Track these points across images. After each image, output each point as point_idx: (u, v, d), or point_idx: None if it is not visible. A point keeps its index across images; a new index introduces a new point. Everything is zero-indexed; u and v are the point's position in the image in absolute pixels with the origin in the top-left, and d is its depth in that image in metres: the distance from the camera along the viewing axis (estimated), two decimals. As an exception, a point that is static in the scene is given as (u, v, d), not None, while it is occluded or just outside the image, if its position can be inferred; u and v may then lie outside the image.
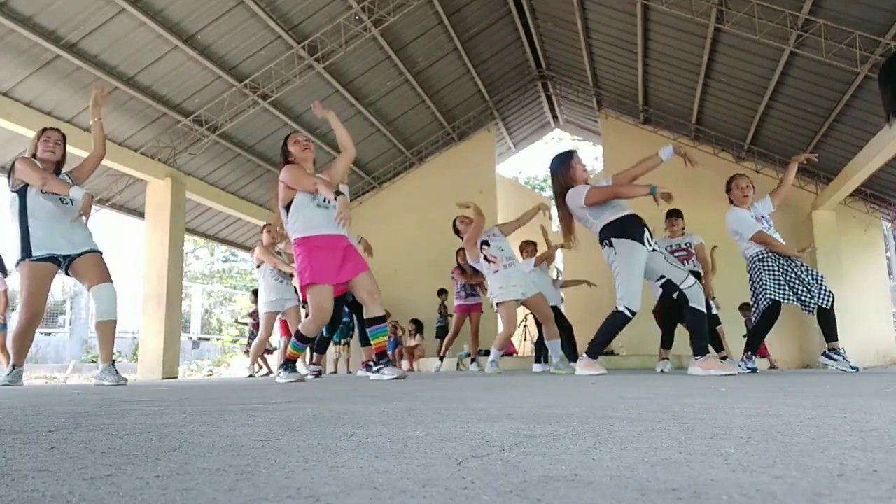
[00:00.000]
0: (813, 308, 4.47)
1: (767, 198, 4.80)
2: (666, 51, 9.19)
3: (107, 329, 3.97)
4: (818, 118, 8.83)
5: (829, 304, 4.42)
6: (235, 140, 9.69)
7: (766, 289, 4.55)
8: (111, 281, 4.01)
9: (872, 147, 8.06)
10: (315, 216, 3.85)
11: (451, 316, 10.39)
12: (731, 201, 4.77)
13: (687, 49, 8.82)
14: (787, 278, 4.50)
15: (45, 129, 4.10)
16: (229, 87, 8.58)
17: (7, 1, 6.13)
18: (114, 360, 3.99)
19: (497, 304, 5.49)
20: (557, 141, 24.64)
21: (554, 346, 5.44)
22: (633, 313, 4.01)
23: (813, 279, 4.48)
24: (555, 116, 14.96)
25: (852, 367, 4.39)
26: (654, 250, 4.06)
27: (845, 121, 8.52)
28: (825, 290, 4.43)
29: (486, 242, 5.54)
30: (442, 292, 10.22)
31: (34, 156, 4.01)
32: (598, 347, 4.11)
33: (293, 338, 4.06)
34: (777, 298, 4.52)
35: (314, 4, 8.08)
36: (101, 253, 4.07)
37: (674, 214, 5.90)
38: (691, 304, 4.01)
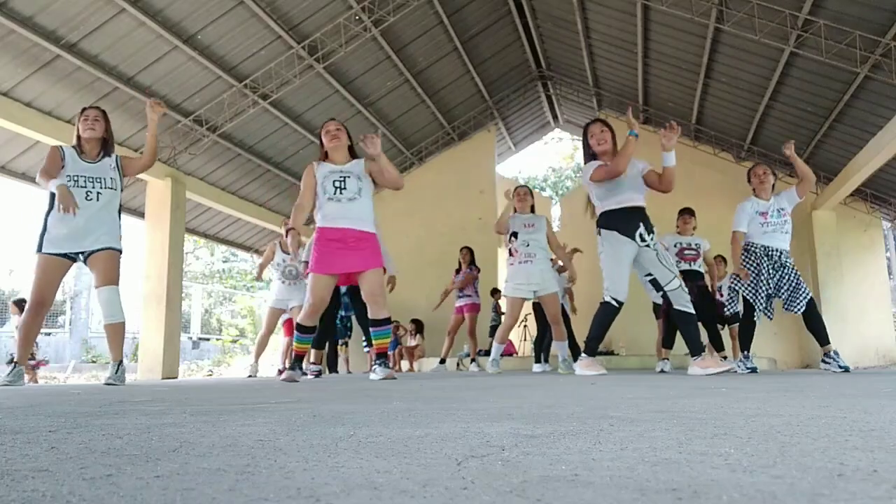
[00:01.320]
0: (771, 313, 4.60)
1: (793, 189, 4.77)
2: (666, 51, 9.19)
3: (110, 331, 3.91)
4: (818, 118, 8.83)
5: (800, 310, 4.51)
6: (235, 140, 9.69)
7: (742, 285, 4.67)
8: (114, 283, 3.89)
9: (872, 147, 8.05)
10: (329, 209, 3.87)
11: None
12: (753, 191, 4.85)
13: (687, 49, 8.82)
14: (760, 281, 4.59)
15: (83, 109, 4.08)
16: (229, 87, 8.58)
17: (7, 1, 6.13)
18: (120, 361, 3.88)
19: (504, 295, 5.56)
20: (557, 141, 24.69)
21: (561, 346, 5.46)
22: (620, 303, 4.03)
23: (793, 287, 4.53)
24: (555, 116, 14.96)
25: (840, 367, 4.48)
26: (647, 246, 4.02)
27: (845, 121, 8.52)
28: (800, 300, 4.48)
29: (515, 234, 5.49)
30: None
31: (78, 137, 3.96)
32: (594, 343, 4.12)
33: (295, 331, 4.06)
34: (747, 297, 4.62)
35: (314, 4, 8.08)
36: (117, 250, 3.94)
37: (686, 212, 5.96)
38: (675, 307, 4.05)
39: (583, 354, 4.16)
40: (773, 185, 4.85)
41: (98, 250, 3.85)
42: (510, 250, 5.49)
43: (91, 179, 3.89)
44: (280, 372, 7.32)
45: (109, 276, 3.87)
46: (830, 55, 6.95)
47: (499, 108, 12.69)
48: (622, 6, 8.60)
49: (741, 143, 10.55)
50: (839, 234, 10.26)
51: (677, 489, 0.59)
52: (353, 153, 4.06)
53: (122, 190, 4.10)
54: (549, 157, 31.30)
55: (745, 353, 4.74)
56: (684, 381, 2.97)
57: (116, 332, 3.91)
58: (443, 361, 8.02)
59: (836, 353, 4.56)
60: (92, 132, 3.96)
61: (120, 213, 4.08)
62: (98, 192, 3.89)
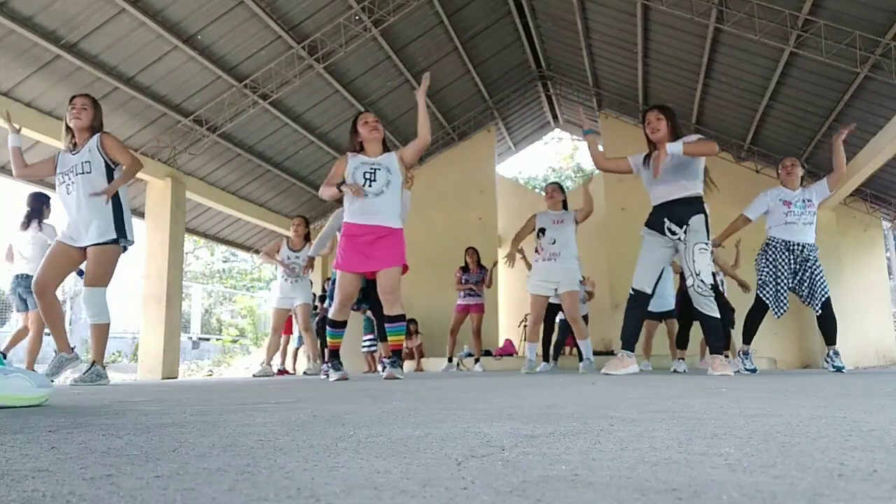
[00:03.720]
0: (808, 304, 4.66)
1: (824, 181, 4.80)
2: (666, 51, 9.19)
3: (91, 330, 3.81)
4: (818, 118, 8.83)
5: (819, 311, 4.58)
6: (235, 140, 9.69)
7: (759, 279, 4.73)
8: (97, 284, 3.71)
9: (872, 147, 8.05)
10: (356, 204, 3.86)
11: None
12: (781, 183, 4.92)
13: (687, 49, 8.82)
14: (779, 277, 4.63)
15: (72, 98, 3.93)
16: (229, 87, 8.58)
17: (7, 1, 6.13)
18: (94, 362, 3.73)
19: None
20: (557, 141, 24.66)
21: (585, 345, 5.50)
22: (638, 292, 4.05)
23: (814, 283, 4.55)
24: (555, 116, 14.96)
25: (834, 367, 4.59)
26: (679, 240, 3.97)
27: (845, 121, 8.49)
28: (818, 298, 4.53)
29: (543, 230, 5.51)
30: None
31: (69, 128, 3.86)
32: (627, 338, 4.10)
33: (327, 326, 4.09)
34: (760, 294, 4.67)
35: (314, 4, 8.08)
36: (106, 243, 3.72)
37: None
38: (694, 304, 4.04)
39: (621, 351, 4.12)
40: (802, 179, 4.88)
41: (90, 246, 3.74)
42: (536, 247, 5.52)
43: (66, 173, 3.77)
44: (280, 372, 7.32)
45: (92, 276, 3.71)
46: (830, 55, 6.95)
47: (499, 108, 12.69)
48: (622, 6, 8.60)
49: (741, 143, 10.55)
50: (839, 234, 10.26)
51: (677, 489, 0.59)
52: (385, 147, 4.01)
53: (108, 168, 3.80)
54: (549, 157, 31.31)
55: (745, 348, 4.76)
56: (684, 381, 2.98)
57: (96, 332, 3.78)
58: (450, 360, 8.02)
59: (835, 352, 4.61)
60: (77, 121, 3.82)
61: (115, 193, 3.78)
62: (72, 183, 3.74)
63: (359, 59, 9.32)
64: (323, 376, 5.54)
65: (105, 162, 3.80)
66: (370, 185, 3.81)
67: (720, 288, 6.32)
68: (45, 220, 5.90)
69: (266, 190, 11.30)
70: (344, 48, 8.60)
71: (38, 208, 5.90)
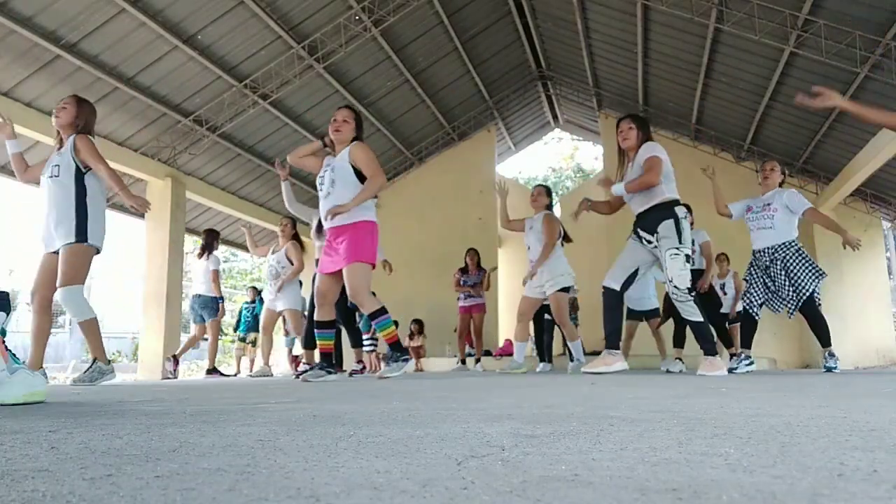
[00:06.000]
0: (785, 313, 4.69)
1: (801, 201, 4.75)
2: (666, 51, 9.19)
3: (80, 328, 3.75)
4: (818, 118, 8.83)
5: (789, 314, 4.59)
6: (235, 140, 9.70)
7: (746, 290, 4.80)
8: (68, 283, 3.60)
9: (872, 147, 8.05)
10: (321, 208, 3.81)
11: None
12: None
13: (687, 49, 8.82)
14: (756, 286, 4.70)
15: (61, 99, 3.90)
16: (229, 87, 8.59)
17: (7, 1, 6.13)
18: (94, 360, 3.70)
19: None
20: (557, 141, 24.68)
21: (575, 346, 5.46)
22: (604, 287, 4.09)
23: (788, 286, 4.51)
24: (555, 116, 14.97)
25: (825, 368, 4.60)
26: (654, 245, 3.99)
27: (845, 121, 8.52)
28: (792, 301, 4.51)
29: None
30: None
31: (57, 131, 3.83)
32: (608, 335, 4.10)
33: (315, 329, 3.98)
34: (745, 306, 4.74)
35: (314, 4, 8.08)
36: (72, 244, 3.61)
37: None
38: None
39: (605, 350, 4.11)
40: (782, 183, 4.84)
41: (59, 249, 3.66)
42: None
43: (47, 175, 3.71)
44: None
45: (62, 276, 3.62)
46: (830, 55, 6.95)
47: (499, 108, 12.69)
48: (622, 6, 8.60)
49: (741, 143, 10.55)
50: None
51: (677, 489, 0.59)
52: (354, 140, 3.84)
53: (78, 171, 3.66)
54: (549, 157, 31.32)
55: (741, 350, 4.76)
56: (684, 381, 2.97)
57: (85, 329, 3.72)
58: (463, 362, 8.00)
59: (829, 354, 4.58)
60: (56, 119, 3.76)
61: (81, 197, 3.65)
62: (48, 185, 3.68)
63: (359, 59, 9.32)
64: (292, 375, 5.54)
65: (76, 166, 3.68)
66: (321, 189, 3.76)
67: (724, 289, 6.30)
68: (213, 252, 7.10)
69: (266, 190, 11.30)
70: (344, 48, 8.60)
71: (210, 242, 7.11)
